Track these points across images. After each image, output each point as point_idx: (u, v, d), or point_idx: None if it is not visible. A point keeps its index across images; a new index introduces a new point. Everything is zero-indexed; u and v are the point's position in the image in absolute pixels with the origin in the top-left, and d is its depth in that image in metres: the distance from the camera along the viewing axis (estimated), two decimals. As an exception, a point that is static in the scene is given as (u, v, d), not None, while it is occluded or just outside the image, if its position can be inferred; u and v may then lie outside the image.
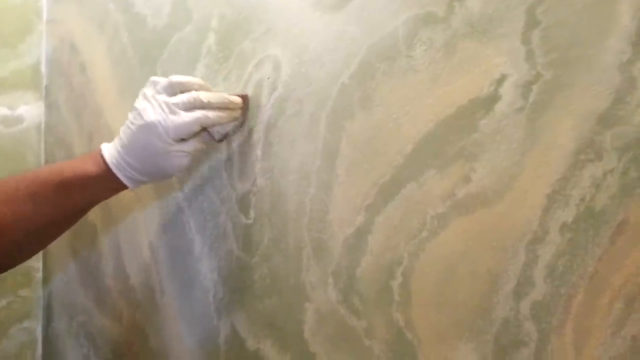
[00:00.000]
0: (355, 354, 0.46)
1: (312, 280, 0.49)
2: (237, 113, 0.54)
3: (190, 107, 0.50)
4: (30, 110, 0.84)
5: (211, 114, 0.51)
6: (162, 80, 0.52)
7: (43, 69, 0.86)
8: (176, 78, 0.52)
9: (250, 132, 0.55)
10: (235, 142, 0.57)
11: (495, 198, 0.38)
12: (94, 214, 0.74)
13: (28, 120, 0.84)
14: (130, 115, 0.52)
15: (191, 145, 0.51)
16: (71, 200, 0.53)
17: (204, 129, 0.52)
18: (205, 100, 0.51)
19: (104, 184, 0.53)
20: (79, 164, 0.53)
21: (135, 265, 0.68)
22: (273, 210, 0.53)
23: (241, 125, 0.56)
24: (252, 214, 0.55)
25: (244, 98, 0.55)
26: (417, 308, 0.42)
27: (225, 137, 0.55)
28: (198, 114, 0.50)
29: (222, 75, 0.58)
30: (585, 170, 0.35)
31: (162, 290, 0.65)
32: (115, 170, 0.51)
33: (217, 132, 0.53)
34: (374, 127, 0.46)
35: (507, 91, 0.38)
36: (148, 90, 0.52)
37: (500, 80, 0.39)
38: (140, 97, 0.52)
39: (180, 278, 0.62)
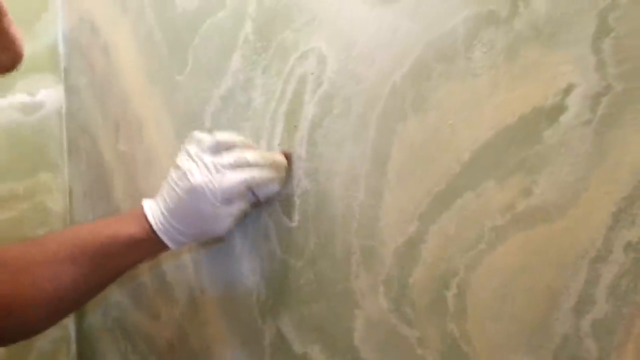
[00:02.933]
0: (407, 363, 0.51)
1: (362, 288, 0.54)
2: (282, 173, 0.58)
3: (236, 167, 0.54)
4: (49, 94, 0.89)
5: (257, 175, 0.54)
6: (207, 139, 0.55)
7: (61, 49, 0.90)
8: (222, 137, 0.55)
9: (293, 130, 0.59)
10: (275, 139, 0.60)
11: (557, 213, 0.42)
12: (123, 207, 0.80)
13: (48, 105, 0.88)
14: (175, 175, 0.55)
15: (236, 207, 0.55)
16: (113, 264, 0.57)
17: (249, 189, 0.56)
18: (251, 160, 0.54)
19: (147, 246, 0.56)
20: (122, 226, 0.56)
21: (171, 263, 0.73)
22: (318, 214, 0.57)
23: (284, 183, 0.59)
24: (296, 217, 0.59)
25: (288, 157, 0.58)
26: (473, 320, 0.46)
27: (268, 197, 0.59)
28: (245, 175, 0.54)
29: (261, 68, 0.61)
30: (653, 190, 0.38)
31: (201, 289, 0.70)
32: (161, 235, 0.55)
33: (262, 192, 0.57)
34: (428, 131, 0.49)
35: (575, 102, 0.41)
36: (192, 148, 0.55)
37: (567, 90, 0.41)
38: (184, 155, 0.55)
39: (220, 278, 0.68)
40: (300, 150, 0.58)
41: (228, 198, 0.54)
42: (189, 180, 0.53)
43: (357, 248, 0.54)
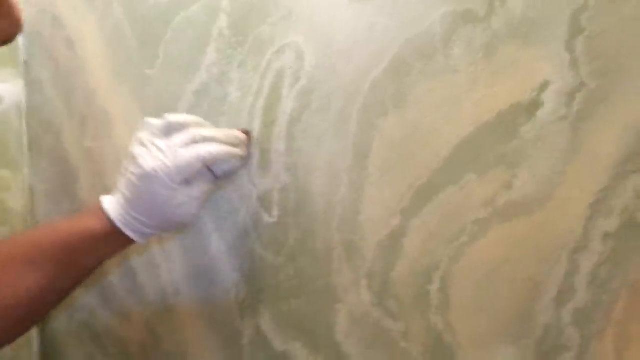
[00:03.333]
0: (391, 356, 0.52)
1: (344, 282, 0.54)
2: (242, 150, 0.57)
3: (190, 144, 0.52)
4: (7, 89, 0.86)
5: (213, 148, 0.53)
6: (157, 122, 0.54)
7: (20, 41, 0.87)
8: (173, 118, 0.54)
9: (271, 124, 0.59)
10: (253, 133, 0.60)
11: (536, 206, 0.44)
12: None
13: (7, 100, 0.86)
14: (128, 164, 0.53)
15: (197, 189, 0.53)
16: (76, 264, 0.54)
17: (207, 169, 0.54)
18: (206, 135, 0.53)
19: (111, 241, 0.54)
20: (81, 222, 0.54)
21: (142, 262, 0.72)
22: (299, 209, 0.57)
23: (245, 162, 0.59)
24: (275, 211, 0.59)
25: (248, 134, 0.58)
26: (457, 312, 0.48)
27: (228, 175, 0.58)
28: (199, 149, 0.52)
29: (237, 62, 0.61)
30: (629, 181, 0.40)
31: (175, 289, 0.69)
32: (122, 228, 0.53)
33: (219, 169, 0.56)
34: (409, 127, 0.50)
35: (550, 98, 0.43)
36: (143, 134, 0.54)
37: (543, 87, 0.43)
38: (136, 142, 0.54)
39: (196, 277, 0.67)
40: (278, 145, 0.58)
41: (186, 178, 0.52)
42: (141, 166, 0.51)
43: (338, 243, 0.55)
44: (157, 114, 0.69)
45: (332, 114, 0.55)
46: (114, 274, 0.75)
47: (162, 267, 0.70)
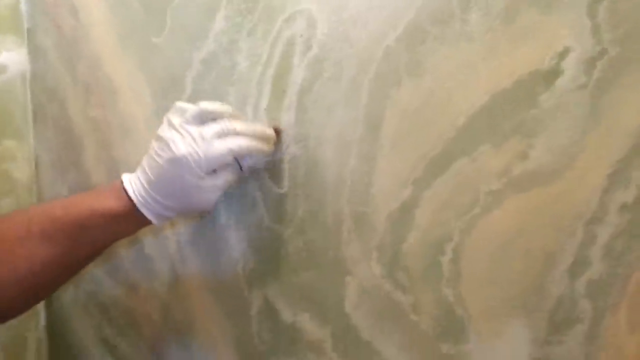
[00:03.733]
0: (400, 329, 0.52)
1: (354, 255, 0.55)
2: (271, 147, 0.57)
3: (222, 136, 0.53)
4: (12, 57, 0.85)
5: (244, 143, 0.53)
6: (191, 108, 0.54)
7: (23, 8, 0.86)
8: (206, 105, 0.54)
9: (282, 95, 0.59)
10: (262, 105, 0.60)
11: (553, 177, 0.43)
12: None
13: (11, 68, 0.85)
14: (156, 145, 0.53)
15: (222, 179, 0.54)
16: (91, 241, 0.55)
17: (235, 161, 0.55)
18: (239, 129, 0.53)
19: (128, 221, 0.55)
20: (99, 200, 0.54)
21: (150, 234, 0.73)
22: (308, 181, 0.57)
23: (271, 159, 0.59)
24: (285, 183, 0.59)
25: (277, 132, 0.58)
26: (468, 284, 0.48)
27: (252, 169, 0.59)
28: (230, 143, 0.52)
29: (246, 30, 0.60)
30: (648, 152, 0.40)
31: (182, 260, 0.70)
32: (142, 209, 0.54)
33: (245, 164, 0.56)
34: (423, 96, 0.49)
35: (570, 66, 0.42)
36: (175, 118, 0.53)
37: (563, 54, 0.42)
38: (166, 125, 0.54)
39: (203, 248, 0.68)
40: (289, 116, 0.58)
41: (213, 167, 0.53)
42: (172, 150, 0.52)
43: (348, 215, 0.55)
44: (164, 83, 0.69)
45: (343, 83, 0.54)
46: (120, 244, 0.76)
47: (170, 238, 0.71)
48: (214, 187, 0.53)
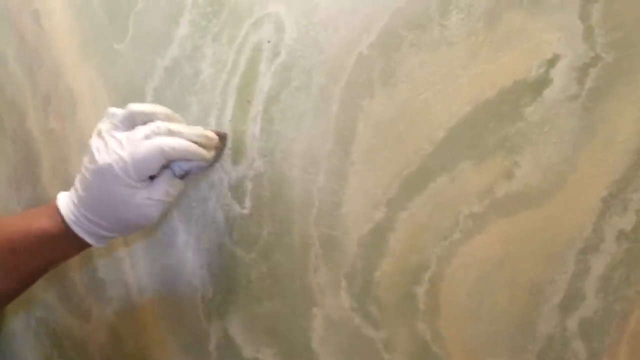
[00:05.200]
0: (371, 368, 0.47)
1: (321, 283, 0.49)
2: (208, 153, 0.50)
3: (152, 137, 0.46)
4: (-30, 65, 0.81)
5: (177, 143, 0.46)
6: (120, 112, 0.48)
7: (-16, 15, 0.82)
8: (136, 107, 0.48)
9: (247, 105, 0.54)
10: (226, 115, 0.55)
11: (541, 199, 0.39)
12: (53, 194, 0.73)
13: (-32, 77, 0.80)
14: (85, 159, 0.48)
15: (160, 190, 0.48)
16: (25, 265, 0.50)
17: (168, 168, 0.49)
18: (173, 129, 0.47)
19: (62, 243, 0.49)
20: (30, 220, 0.49)
21: (104, 256, 0.67)
22: (274, 200, 0.52)
23: (211, 165, 0.52)
24: (247, 202, 0.54)
25: (221, 136, 0.52)
26: (446, 319, 0.43)
27: (187, 175, 0.51)
28: (160, 140, 0.46)
29: (212, 35, 0.56)
30: (649, 171, 0.35)
31: (139, 286, 0.64)
32: (74, 227, 0.48)
33: (178, 166, 0.49)
34: (397, 107, 0.45)
35: (560, 74, 0.38)
36: (104, 125, 0.48)
37: (552, 61, 0.38)
38: (95, 134, 0.48)
39: (160, 273, 0.62)
40: (254, 128, 0.53)
41: (146, 174, 0.46)
42: (95, 160, 0.46)
43: (316, 238, 0.50)
44: (125, 93, 0.64)
45: (313, 93, 0.49)
46: (73, 268, 0.70)
47: (125, 261, 0.65)
48: (150, 199, 0.47)
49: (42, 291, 0.76)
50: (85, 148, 0.68)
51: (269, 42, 0.52)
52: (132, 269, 0.65)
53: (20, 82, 0.78)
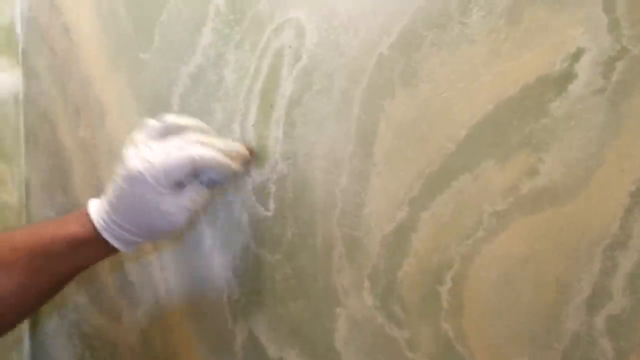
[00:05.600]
0: (396, 368, 0.46)
1: (345, 283, 0.48)
2: (237, 165, 0.50)
3: (184, 148, 0.47)
4: (5, 78, 0.82)
5: (207, 153, 0.47)
6: (154, 123, 0.49)
7: (18, 29, 0.83)
8: (171, 119, 0.49)
9: (269, 109, 0.54)
10: (249, 120, 0.55)
11: (567, 195, 0.37)
12: (84, 200, 0.73)
13: (3, 90, 0.82)
14: (118, 166, 0.48)
15: (187, 198, 0.48)
16: (54, 269, 0.50)
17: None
18: (203, 140, 0.48)
19: (92, 248, 0.50)
20: (63, 226, 0.50)
21: (134, 260, 0.67)
22: (297, 202, 0.52)
23: (236, 179, 0.52)
24: (271, 205, 0.54)
25: (251, 151, 0.52)
26: (470, 318, 0.42)
27: (214, 185, 0.51)
28: (190, 150, 0.47)
29: (234, 42, 0.56)
30: (678, 165, 0.34)
31: (167, 289, 0.64)
32: (103, 233, 0.49)
33: (206, 177, 0.49)
34: (419, 107, 0.44)
35: (585, 68, 0.37)
36: (138, 136, 0.49)
37: (577, 55, 0.37)
38: (128, 142, 0.49)
39: (188, 275, 0.62)
40: (277, 132, 0.53)
41: (175, 182, 0.47)
42: (127, 167, 0.47)
43: (339, 239, 0.49)
44: (152, 101, 0.65)
45: (334, 96, 0.49)
46: (105, 271, 0.71)
47: (154, 265, 0.65)
48: (178, 206, 0.47)
49: (75, 293, 0.77)
50: (114, 156, 0.70)
51: (290, 47, 0.52)
52: (160, 272, 0.65)
53: (51, 94, 0.79)
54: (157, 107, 0.64)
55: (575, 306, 0.37)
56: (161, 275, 0.65)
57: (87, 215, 0.50)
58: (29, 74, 0.83)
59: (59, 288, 0.52)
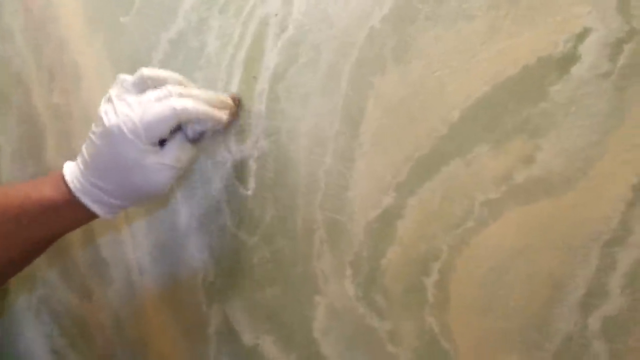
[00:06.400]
0: (375, 361, 0.44)
1: (325, 270, 0.46)
2: (223, 114, 0.47)
3: (164, 99, 0.44)
4: (-23, 38, 0.78)
5: (190, 104, 0.44)
6: (130, 77, 0.46)
7: (-8, -13, 0.79)
8: (148, 71, 0.45)
9: (253, 81, 0.51)
10: (232, 91, 0.52)
11: (564, 186, 0.35)
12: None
13: (-25, 51, 0.78)
14: (93, 125, 0.45)
15: (171, 155, 0.45)
16: (28, 235, 0.47)
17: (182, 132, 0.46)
18: (184, 92, 0.44)
19: (67, 212, 0.47)
20: (35, 189, 0.47)
21: (108, 236, 0.65)
22: (278, 181, 0.49)
23: (224, 128, 0.49)
24: (251, 183, 0.51)
25: (236, 101, 0.49)
26: (457, 312, 0.40)
27: (200, 138, 0.48)
28: (172, 101, 0.43)
29: (218, 7, 0.53)
30: (685, 158, 0.31)
31: (140, 269, 0.62)
32: (80, 196, 0.46)
33: (191, 129, 0.46)
34: (410, 85, 0.41)
35: (590, 50, 0.34)
36: (113, 91, 0.46)
37: (582, 36, 0.34)
38: (104, 100, 0.46)
39: (162, 256, 0.60)
40: (259, 106, 0.50)
41: (156, 136, 0.44)
42: (103, 123, 0.44)
43: (321, 223, 0.46)
44: (130, 67, 0.61)
45: (321, 70, 0.46)
46: (76, 246, 0.68)
47: (127, 242, 0.63)
48: (160, 165, 0.44)
49: (44, 269, 0.74)
50: (89, 123, 0.66)
51: (276, 15, 0.49)
52: (134, 250, 0.62)
53: (25, 56, 0.76)
54: (135, 72, 0.61)
55: (569, 305, 0.35)
56: (135, 254, 0.62)
57: (62, 177, 0.47)
58: (3, 35, 0.79)
59: (31, 256, 0.50)
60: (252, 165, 0.51)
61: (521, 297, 0.37)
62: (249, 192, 0.51)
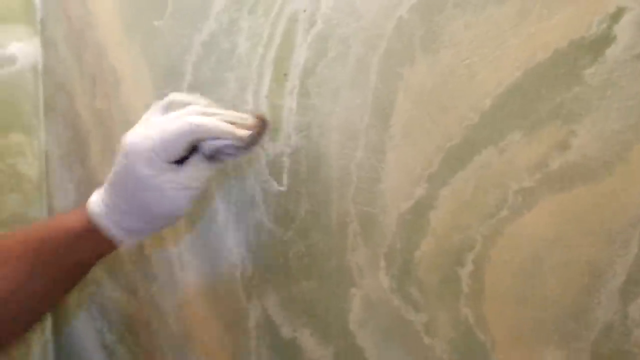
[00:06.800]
0: (412, 353, 0.44)
1: (360, 263, 0.46)
2: (243, 132, 0.45)
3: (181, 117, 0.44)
4: (23, 48, 0.82)
5: (207, 120, 0.43)
6: (160, 101, 0.46)
7: (36, -1, 0.82)
8: (177, 96, 0.46)
9: (283, 79, 0.51)
10: (263, 91, 0.53)
11: (601, 171, 0.34)
12: (101, 172, 0.73)
13: (22, 60, 0.81)
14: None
15: (186, 174, 0.44)
16: (51, 265, 0.46)
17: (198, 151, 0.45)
18: (206, 111, 0.45)
19: (88, 240, 0.46)
20: (61, 220, 0.47)
21: (150, 233, 0.67)
22: (311, 176, 0.49)
23: (246, 148, 0.46)
24: (285, 179, 0.51)
25: (262, 120, 0.47)
26: (492, 303, 0.39)
27: (219, 156, 0.46)
28: (190, 117, 0.43)
29: (247, 8, 0.53)
30: None
31: (181, 264, 0.63)
32: (96, 219, 0.45)
33: (207, 146, 0.44)
34: (440, 75, 0.41)
35: (625, 30, 0.33)
36: (146, 115, 0.46)
37: (616, 16, 0.33)
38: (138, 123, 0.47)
39: (202, 251, 0.61)
40: (290, 103, 0.51)
41: (174, 154, 0.43)
42: (125, 142, 0.44)
43: (354, 216, 0.46)
44: (165, 70, 0.63)
45: (350, 63, 0.46)
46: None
47: (168, 239, 0.64)
48: (176, 183, 0.43)
49: (94, 268, 0.77)
50: (129, 127, 0.68)
51: (304, 11, 0.49)
52: (175, 246, 0.64)
53: (68, 64, 0.78)
54: (170, 76, 0.62)
55: (608, 293, 0.34)
56: (176, 249, 0.64)
57: (85, 207, 0.47)
58: (48, 44, 0.82)
59: (65, 285, 0.49)
60: (286, 162, 0.51)
61: (558, 287, 0.36)
62: (283, 188, 0.52)
